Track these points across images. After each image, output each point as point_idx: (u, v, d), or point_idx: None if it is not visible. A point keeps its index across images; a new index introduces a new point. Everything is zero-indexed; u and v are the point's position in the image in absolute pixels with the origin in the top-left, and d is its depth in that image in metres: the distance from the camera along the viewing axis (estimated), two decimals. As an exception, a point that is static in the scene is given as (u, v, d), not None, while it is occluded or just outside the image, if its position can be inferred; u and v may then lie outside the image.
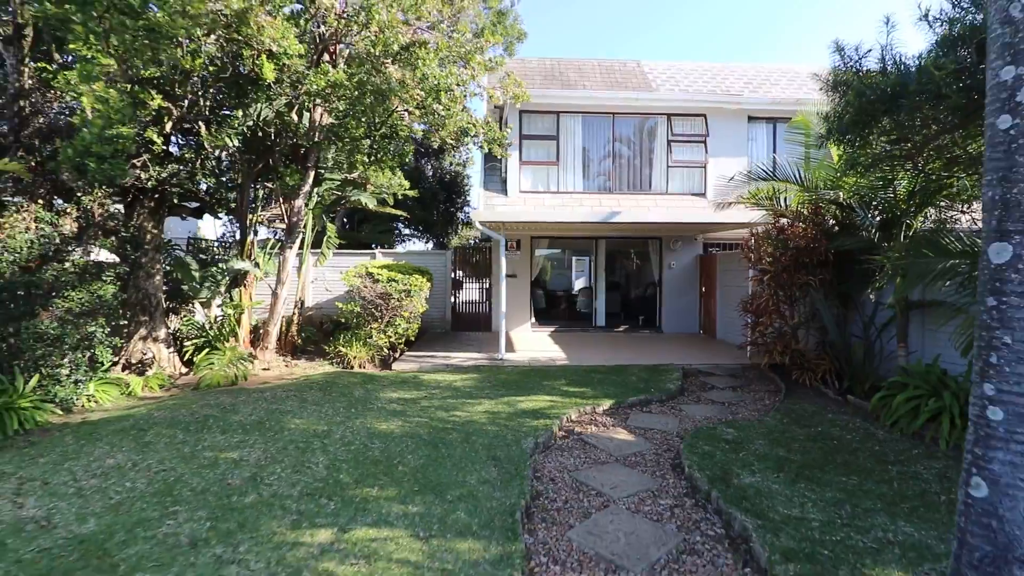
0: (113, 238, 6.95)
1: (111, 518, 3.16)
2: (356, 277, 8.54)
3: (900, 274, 5.44)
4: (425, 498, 3.47)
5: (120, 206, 7.45)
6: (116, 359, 7.14)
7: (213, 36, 5.17)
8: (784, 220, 7.29)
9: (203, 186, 8.26)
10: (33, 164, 5.72)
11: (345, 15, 6.29)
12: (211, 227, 15.04)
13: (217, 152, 6.95)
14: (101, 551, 2.80)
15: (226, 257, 9.22)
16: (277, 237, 10.32)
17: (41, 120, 6.29)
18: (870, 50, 4.55)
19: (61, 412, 5.64)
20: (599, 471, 4.17)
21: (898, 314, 6.05)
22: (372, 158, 7.31)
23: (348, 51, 7.41)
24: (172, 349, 7.89)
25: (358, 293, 8.43)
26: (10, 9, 5.42)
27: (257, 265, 8.21)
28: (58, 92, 6.12)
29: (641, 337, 11.51)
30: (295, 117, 7.39)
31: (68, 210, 6.40)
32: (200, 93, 5.92)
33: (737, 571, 2.80)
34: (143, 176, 5.61)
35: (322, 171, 8.51)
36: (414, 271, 9.15)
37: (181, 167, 6.88)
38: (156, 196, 7.36)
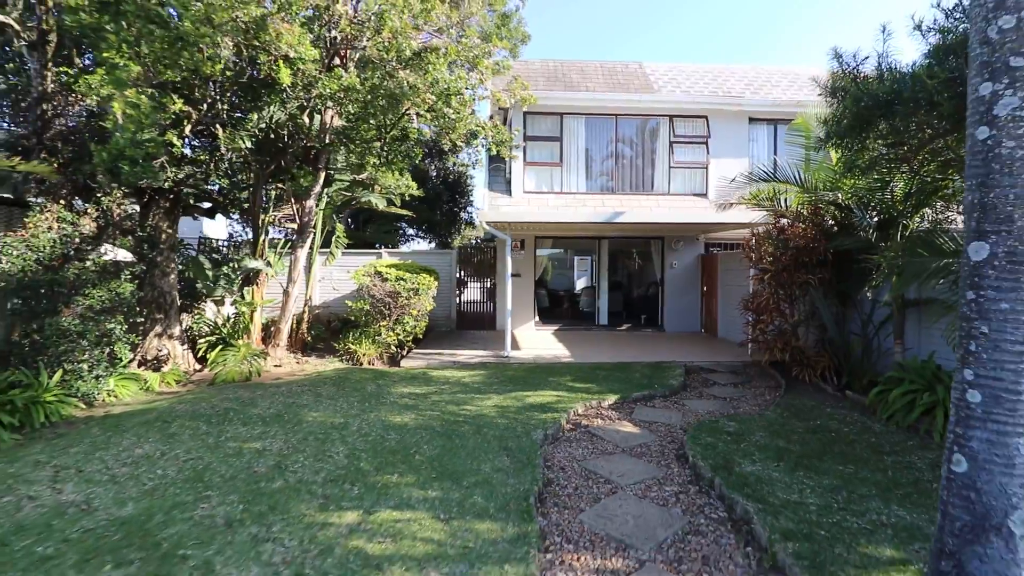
0: (130, 237, 7.14)
1: (148, 502, 3.35)
2: (365, 276, 8.73)
3: (896, 273, 5.61)
4: (443, 484, 3.65)
5: (135, 206, 7.65)
6: (133, 355, 7.33)
7: (231, 42, 5.34)
8: (784, 220, 7.47)
9: (216, 187, 8.46)
10: (56, 165, 5.90)
11: (357, 20, 6.47)
12: (213, 227, 15.20)
13: (231, 154, 7.13)
14: (143, 531, 2.98)
15: (236, 256, 9.41)
16: (287, 237, 10.51)
17: (62, 122, 6.48)
18: (867, 57, 4.73)
19: (84, 406, 5.83)
20: (607, 461, 4.36)
21: (895, 312, 6.23)
22: (383, 159, 7.49)
23: (358, 55, 7.60)
24: (186, 346, 8.08)
25: (367, 291, 8.61)
26: (36, 16, 5.60)
27: (269, 264, 8.40)
28: (79, 95, 6.32)
29: (643, 335, 11.70)
30: (307, 120, 7.58)
31: (88, 210, 6.58)
32: (217, 97, 6.11)
33: (739, 550, 2.99)
34: (161, 177, 5.80)
35: (332, 172, 8.70)
36: (421, 270, 9.33)
37: (196, 168, 7.07)
38: (171, 197, 7.55)
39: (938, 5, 4.10)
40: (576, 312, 14.83)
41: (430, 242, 20.74)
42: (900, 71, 4.09)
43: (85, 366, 6.06)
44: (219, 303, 8.78)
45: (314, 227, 8.38)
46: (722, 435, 4.80)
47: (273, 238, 10.41)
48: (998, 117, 1.87)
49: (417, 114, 6.53)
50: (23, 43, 5.72)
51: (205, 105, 5.99)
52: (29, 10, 5.82)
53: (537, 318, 13.00)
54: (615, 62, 14.09)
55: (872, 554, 2.80)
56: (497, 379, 7.21)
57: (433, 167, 18.64)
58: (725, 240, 12.79)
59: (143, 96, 4.51)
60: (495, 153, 7.66)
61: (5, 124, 6.69)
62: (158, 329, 7.75)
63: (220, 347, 8.12)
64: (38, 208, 6.04)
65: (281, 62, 5.67)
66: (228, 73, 5.75)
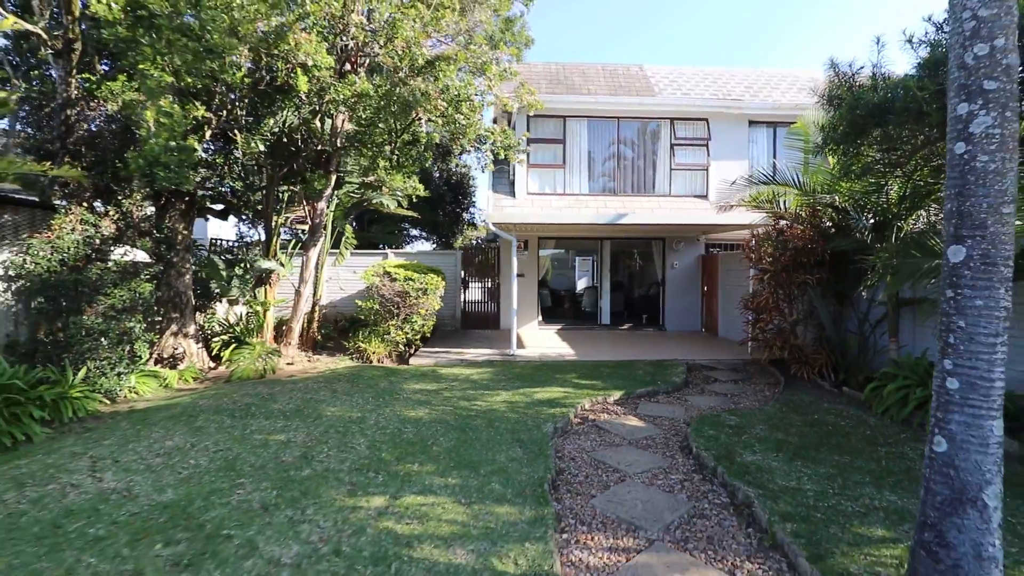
0: (148, 239, 7.35)
1: (185, 489, 3.56)
2: (375, 276, 8.94)
3: (891, 273, 5.83)
4: (461, 473, 3.87)
5: (151, 208, 7.86)
6: (150, 354, 7.54)
7: (249, 50, 5.55)
8: (783, 222, 7.69)
9: (228, 189, 8.67)
10: (79, 169, 6.10)
11: (370, 28, 6.68)
12: (217, 228, 15.38)
13: (244, 157, 7.35)
14: (185, 514, 3.20)
15: (246, 257, 9.62)
16: (296, 238, 10.71)
17: (84, 127, 6.68)
18: (862, 67, 4.97)
19: (108, 402, 6.04)
20: (614, 452, 4.58)
21: (890, 311, 6.46)
22: (393, 163, 7.70)
23: (368, 60, 7.81)
24: (200, 344, 8.28)
25: (377, 291, 8.82)
26: (62, 25, 5.81)
27: (282, 265, 8.61)
28: (100, 101, 6.53)
29: (645, 335, 11.92)
30: (319, 124, 7.79)
31: (110, 212, 6.79)
32: (236, 103, 6.32)
33: (741, 531, 3.21)
34: (192, 181, 6.04)
35: (342, 175, 8.91)
36: (428, 270, 9.55)
37: (212, 172, 7.29)
38: (187, 199, 7.76)
39: (929, 19, 4.33)
40: (578, 312, 15.05)
41: (433, 243, 20.95)
42: (893, 81, 4.31)
43: (108, 363, 6.27)
44: (234, 302, 8.99)
45: (325, 228, 8.59)
46: (724, 428, 5.02)
47: (286, 239, 10.63)
48: (973, 134, 2.09)
49: (428, 119, 6.74)
50: (49, 51, 5.92)
51: (225, 111, 6.19)
52: (55, 19, 6.02)
53: (540, 317, 13.22)
54: (616, 65, 14.31)
55: (864, 534, 3.02)
56: (505, 376, 7.42)
57: (436, 168, 18.86)
58: (725, 241, 13.01)
59: (176, 105, 4.72)
60: (502, 157, 7.86)
61: (28, 129, 6.87)
62: (174, 328, 7.95)
63: (234, 345, 8.33)
64: (63, 210, 6.25)
65: (299, 70, 5.88)
66: (247, 80, 5.96)
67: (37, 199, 6.19)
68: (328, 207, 8.47)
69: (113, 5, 4.51)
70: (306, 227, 9.20)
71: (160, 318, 7.64)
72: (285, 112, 7.38)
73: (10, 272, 6.28)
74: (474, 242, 22.12)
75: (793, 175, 7.61)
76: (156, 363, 7.76)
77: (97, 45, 6.37)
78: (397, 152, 7.59)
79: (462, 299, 13.25)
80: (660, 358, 8.72)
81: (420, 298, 8.83)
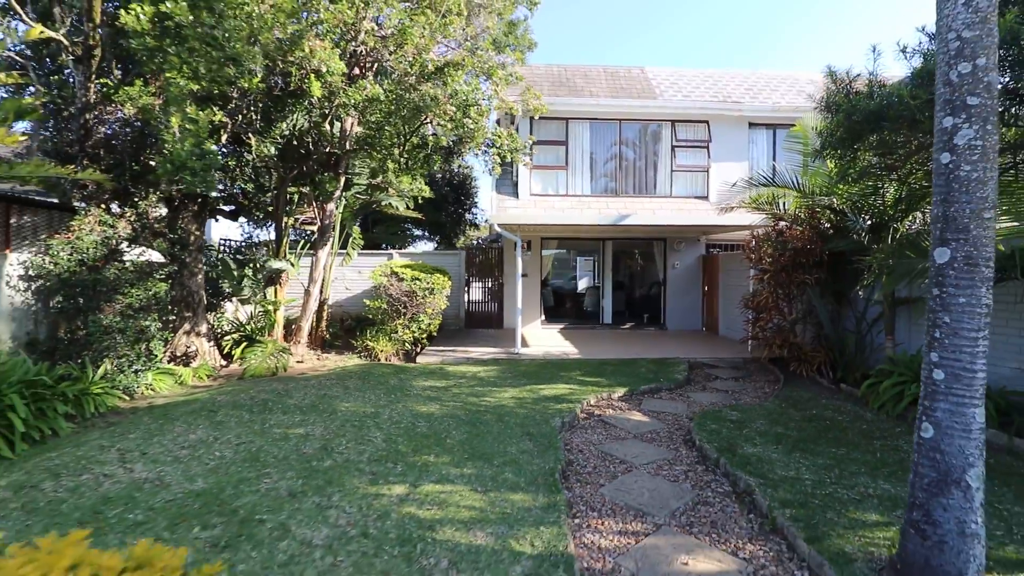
0: (163, 240, 7.52)
1: (215, 478, 3.74)
2: (382, 276, 9.13)
3: (886, 273, 6.02)
4: (475, 463, 4.05)
5: (164, 210, 8.03)
6: (164, 352, 7.71)
7: (265, 57, 5.73)
8: (783, 223, 7.88)
9: (239, 190, 8.84)
10: (99, 172, 6.27)
11: (380, 35, 6.86)
12: (221, 228, 15.53)
13: (257, 160, 7.52)
14: (218, 501, 3.38)
15: (256, 257, 9.80)
16: (305, 238, 10.89)
17: (102, 130, 6.86)
18: (858, 75, 5.15)
19: (127, 398, 6.22)
20: (620, 445, 4.77)
21: (886, 309, 6.65)
22: (402, 165, 7.89)
23: (376, 65, 7.99)
24: (212, 343, 8.46)
25: (384, 291, 9.00)
26: (83, 32, 5.98)
27: (292, 264, 8.79)
28: (117, 105, 6.70)
29: (647, 334, 12.10)
30: (328, 127, 7.98)
31: (126, 214, 6.97)
32: (251, 108, 6.50)
33: (743, 516, 3.40)
34: (216, 185, 6.23)
35: (350, 177, 9.09)
36: (434, 270, 9.73)
37: (225, 173, 7.46)
38: (199, 200, 7.94)
39: (922, 29, 4.52)
40: (580, 311, 15.23)
41: (435, 243, 21.14)
42: (888, 90, 4.49)
43: (126, 361, 6.45)
44: (246, 301, 9.16)
45: (333, 229, 8.77)
46: (725, 423, 5.20)
47: (291, 239, 10.81)
48: (957, 146, 2.27)
49: (438, 123, 6.92)
50: (70, 57, 6.09)
51: (240, 116, 6.37)
52: (75, 26, 6.20)
53: (543, 317, 13.41)
54: (618, 67, 14.50)
55: (859, 518, 3.21)
56: (511, 374, 7.61)
57: (439, 170, 19.07)
58: (726, 241, 13.20)
59: (201, 112, 4.90)
60: (509, 160, 8.05)
61: (45, 133, 7.04)
62: (187, 327, 8.13)
63: (244, 344, 8.52)
64: (83, 212, 6.43)
65: (312, 76, 6.06)
66: (261, 85, 6.14)
67: (57, 201, 6.37)
68: (337, 208, 8.65)
69: (141, 16, 4.69)
70: (314, 228, 9.37)
71: (174, 317, 7.82)
72: (295, 116, 7.56)
73: (30, 272, 6.45)
74: (474, 242, 22.32)
75: (792, 177, 7.80)
76: (169, 361, 7.93)
77: (116, 51, 6.55)
78: (406, 155, 7.77)
79: (466, 299, 13.44)
80: (662, 356, 8.91)
81: (427, 297, 9.01)
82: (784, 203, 8.24)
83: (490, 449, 4.38)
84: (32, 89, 6.37)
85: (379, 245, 17.28)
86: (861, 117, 4.48)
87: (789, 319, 7.88)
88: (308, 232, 11.26)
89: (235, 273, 8.77)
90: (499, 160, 7.41)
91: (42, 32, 4.73)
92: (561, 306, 15.80)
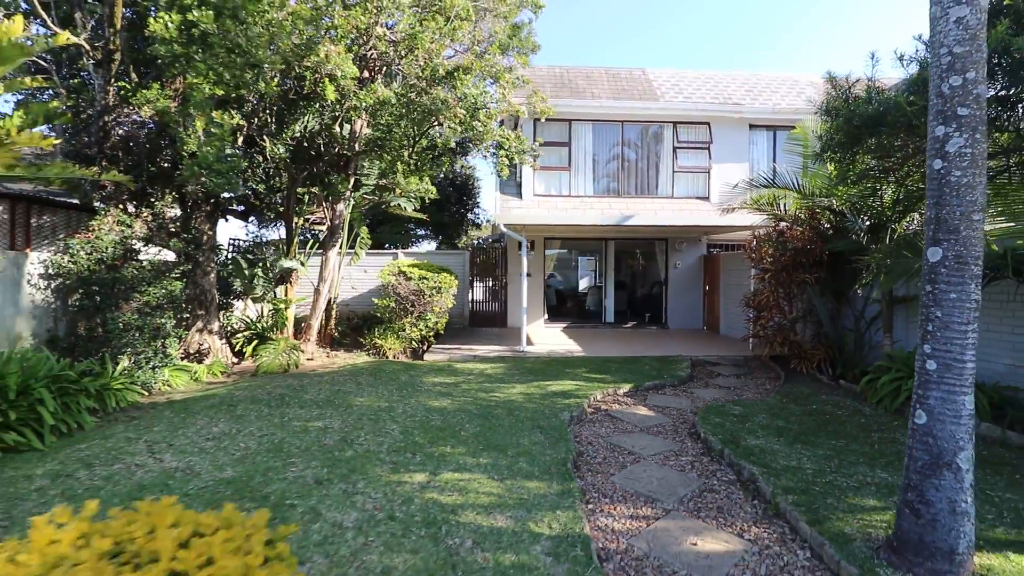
0: (178, 239, 7.69)
1: (242, 467, 3.92)
2: (391, 275, 9.30)
3: (885, 272, 6.20)
4: (490, 454, 4.23)
5: (176, 210, 8.20)
6: (178, 349, 7.88)
7: (282, 62, 5.91)
8: (784, 224, 8.06)
9: (250, 191, 9.01)
10: (115, 173, 6.44)
11: (391, 40, 7.04)
12: (227, 228, 15.71)
13: (269, 161, 7.69)
14: (249, 488, 3.55)
15: (266, 256, 9.97)
16: (314, 237, 11.06)
17: (119, 132, 7.03)
18: (857, 80, 5.33)
19: (145, 393, 6.38)
20: (628, 437, 4.94)
21: (884, 308, 6.83)
22: (411, 166, 8.06)
23: (384, 68, 8.16)
24: (224, 341, 8.63)
25: (393, 289, 9.18)
26: (104, 36, 6.15)
27: (302, 264, 8.96)
28: (135, 107, 6.88)
29: (648, 333, 12.28)
30: (338, 129, 8.15)
31: (142, 214, 7.14)
32: (267, 111, 6.67)
33: (747, 502, 3.58)
34: (239, 187, 6.41)
35: (359, 178, 9.26)
36: (440, 270, 9.90)
37: (239, 175, 7.63)
38: (212, 201, 8.10)
39: (919, 38, 4.70)
40: (582, 310, 15.41)
41: (437, 243, 21.31)
42: (886, 96, 4.67)
43: (144, 357, 6.62)
44: (258, 300, 9.33)
45: (342, 229, 8.94)
46: (729, 417, 5.38)
47: (300, 239, 10.97)
48: (949, 153, 2.45)
49: (449, 126, 7.09)
50: (91, 61, 6.26)
51: (256, 118, 6.54)
52: (96, 31, 6.36)
53: (546, 316, 13.58)
54: (619, 68, 14.68)
55: (857, 503, 3.39)
56: (517, 371, 7.78)
57: (442, 171, 19.25)
58: (726, 241, 13.38)
59: (225, 116, 5.07)
60: (516, 162, 8.22)
61: (64, 135, 7.20)
62: (199, 324, 8.30)
63: (256, 342, 8.69)
64: (103, 212, 6.59)
65: (326, 80, 6.24)
66: (277, 89, 6.31)
67: (78, 201, 6.53)
68: (346, 209, 8.82)
69: (169, 24, 4.86)
70: (322, 228, 9.53)
71: (187, 315, 7.99)
72: (307, 118, 7.74)
73: (50, 271, 6.61)
74: (476, 242, 22.49)
75: (793, 179, 7.98)
76: (183, 358, 8.09)
77: (132, 55, 6.72)
78: (415, 156, 7.94)
79: (470, 298, 13.61)
80: (665, 354, 9.09)
81: (434, 296, 9.19)
82: (785, 204, 8.42)
83: (503, 441, 4.55)
84: (51, 92, 6.54)
85: (382, 245, 17.45)
86: (860, 121, 4.66)
87: (789, 317, 8.06)
88: (316, 232, 11.43)
89: (246, 272, 8.94)
90: (507, 162, 7.58)
91: (68, 38, 4.89)
92: (563, 305, 15.97)
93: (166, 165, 7.42)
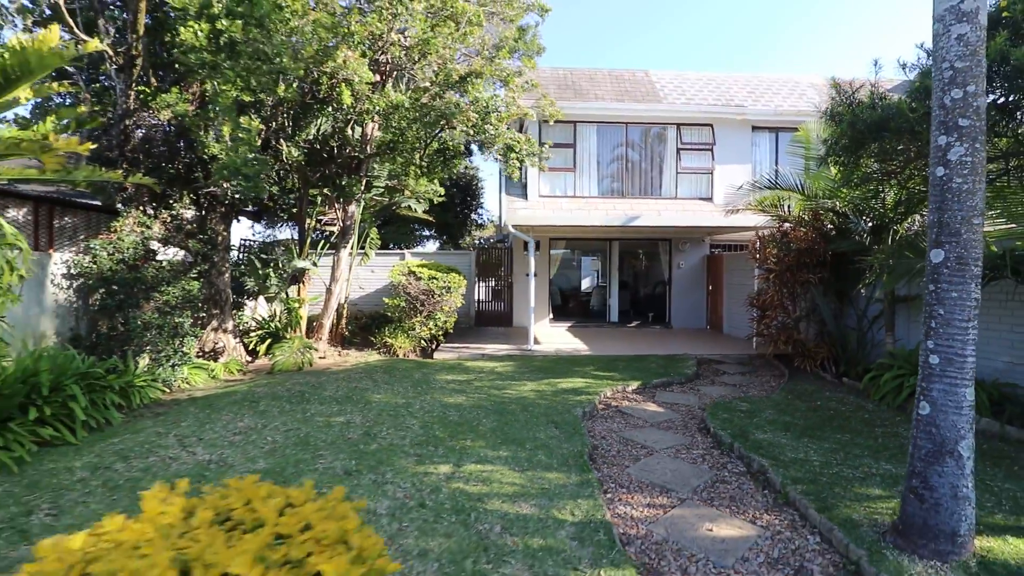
0: (196, 240, 7.86)
1: (273, 460, 4.08)
2: (401, 275, 9.47)
3: (887, 272, 6.37)
4: (509, 447, 4.40)
5: (191, 212, 8.36)
6: (194, 348, 8.04)
7: (303, 69, 6.08)
8: (787, 224, 8.23)
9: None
10: (140, 175, 6.61)
11: (405, 45, 7.20)
12: (235, 229, 15.88)
13: (284, 163, 7.85)
14: (281, 479, 3.72)
15: (278, 256, 10.13)
16: (325, 238, 11.22)
17: (139, 135, 7.19)
18: (861, 86, 5.50)
19: (167, 390, 6.55)
20: (640, 432, 5.11)
21: (886, 307, 7.00)
22: (423, 169, 8.23)
23: (395, 72, 8.32)
24: (238, 339, 8.79)
25: (403, 289, 9.35)
26: (127, 42, 6.32)
27: (315, 264, 9.13)
28: (154, 111, 7.04)
29: (653, 332, 12.45)
30: (350, 132, 8.31)
31: (161, 215, 7.30)
32: (284, 115, 6.84)
33: (758, 492, 3.75)
34: (265, 191, 6.59)
35: (370, 179, 9.43)
36: (449, 270, 10.07)
37: (254, 177, 7.80)
38: (226, 202, 8.27)
39: (921, 46, 4.88)
40: (587, 310, 15.57)
41: (440, 243, 21.47)
42: (889, 102, 4.84)
43: (164, 356, 6.78)
44: (271, 299, 9.49)
45: (354, 230, 9.11)
46: (736, 412, 5.56)
47: (315, 239, 11.13)
48: (950, 161, 2.62)
49: (462, 130, 7.26)
50: (113, 67, 6.42)
51: (274, 123, 6.71)
52: (118, 37, 6.53)
53: (551, 315, 13.75)
54: (622, 70, 14.83)
55: (863, 493, 3.56)
56: (527, 369, 7.95)
57: (453, 172, 19.45)
58: (729, 241, 13.55)
59: (253, 121, 5.24)
60: (526, 164, 8.39)
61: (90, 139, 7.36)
62: (214, 324, 8.47)
63: (269, 340, 8.86)
64: (125, 214, 6.76)
65: (343, 84, 6.40)
66: (295, 94, 6.48)
67: (99, 203, 6.69)
68: (358, 210, 8.99)
69: (199, 33, 5.02)
70: (332, 228, 9.69)
71: (203, 314, 8.15)
72: (320, 121, 7.90)
73: (72, 271, 6.77)
74: (478, 242, 22.65)
75: (796, 181, 8.15)
76: (198, 356, 8.25)
77: (152, 60, 6.88)
78: (427, 159, 8.11)
79: (476, 297, 13.77)
80: (670, 353, 9.26)
81: (444, 295, 9.36)
82: (789, 205, 8.59)
83: (520, 435, 4.72)
84: (77, 97, 6.70)
85: (387, 245, 17.61)
86: (864, 126, 4.83)
87: (793, 317, 8.23)
88: (327, 232, 11.59)
89: (260, 272, 9.10)
90: (518, 164, 7.74)
91: (97, 46, 5.06)
92: (568, 305, 16.13)
93: (182, 168, 7.58)
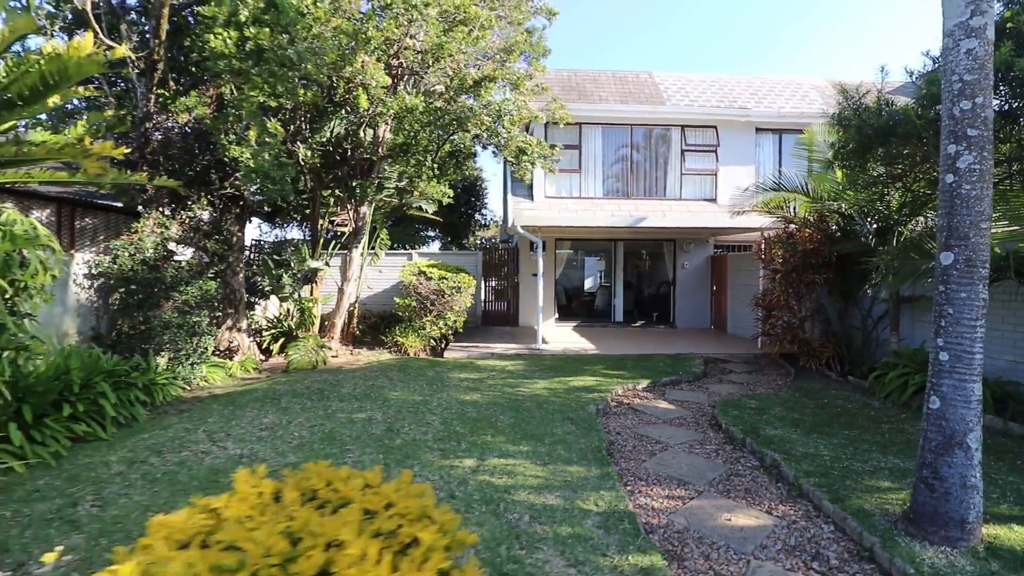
0: (213, 240, 8.00)
1: (302, 454, 4.23)
2: (411, 275, 9.62)
3: (892, 273, 6.52)
4: (529, 442, 4.55)
5: (207, 213, 8.51)
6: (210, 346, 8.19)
7: (324, 74, 6.23)
8: (793, 226, 8.38)
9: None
10: (164, 178, 6.75)
11: (419, 50, 7.35)
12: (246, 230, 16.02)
13: (301, 166, 8.00)
14: (313, 471, 3.86)
15: (290, 256, 10.27)
16: (336, 238, 11.36)
17: (158, 137, 7.33)
18: (867, 92, 5.65)
19: (187, 388, 6.69)
20: (653, 428, 5.26)
21: (891, 307, 7.15)
22: (434, 171, 8.37)
23: (407, 76, 8.47)
24: (252, 338, 8.94)
25: (414, 289, 9.49)
26: (148, 47, 6.46)
27: (327, 264, 9.27)
28: (173, 114, 7.19)
29: (657, 332, 12.60)
30: (363, 134, 8.46)
31: (180, 216, 7.44)
32: (302, 119, 6.98)
33: (772, 485, 3.90)
34: (291, 194, 6.74)
35: (382, 181, 9.58)
36: (457, 270, 10.22)
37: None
38: (242, 203, 8.42)
39: (927, 53, 5.03)
40: (592, 310, 15.72)
41: (444, 244, 21.62)
42: (895, 108, 4.99)
43: (183, 354, 6.93)
44: (285, 299, 9.63)
45: (366, 231, 9.25)
46: (746, 409, 5.71)
47: (327, 240, 11.27)
48: (959, 169, 2.77)
49: (475, 133, 7.41)
50: (135, 71, 6.56)
51: (292, 126, 6.86)
52: (139, 42, 6.68)
53: (556, 315, 13.90)
54: (626, 72, 14.97)
55: (873, 485, 3.71)
56: (537, 367, 8.10)
57: (464, 174, 19.65)
58: (733, 242, 13.70)
59: (279, 126, 5.39)
60: (538, 166, 8.53)
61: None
62: (229, 323, 8.60)
63: (283, 339, 9.01)
64: (145, 215, 6.90)
65: (359, 88, 6.55)
66: (315, 98, 6.62)
67: (120, 204, 6.82)
68: (369, 211, 9.14)
69: (228, 41, 5.17)
70: (343, 229, 9.83)
71: (219, 314, 8.30)
72: (333, 123, 8.05)
73: (93, 271, 6.91)
74: (481, 242, 22.80)
75: (801, 182, 8.29)
76: (214, 354, 8.40)
77: (171, 64, 7.03)
78: (438, 162, 8.25)
79: (482, 297, 13.92)
80: (676, 352, 9.41)
81: (454, 295, 9.50)
82: (794, 207, 8.74)
83: (538, 431, 4.87)
84: (83, 100, 6.83)
85: (392, 245, 17.76)
86: (871, 131, 4.98)
87: (799, 316, 8.37)
88: (339, 233, 11.72)
89: (274, 272, 9.25)
90: (530, 167, 7.89)
91: (124, 52, 5.19)
92: (572, 305, 16.28)
93: (199, 169, 7.72)
